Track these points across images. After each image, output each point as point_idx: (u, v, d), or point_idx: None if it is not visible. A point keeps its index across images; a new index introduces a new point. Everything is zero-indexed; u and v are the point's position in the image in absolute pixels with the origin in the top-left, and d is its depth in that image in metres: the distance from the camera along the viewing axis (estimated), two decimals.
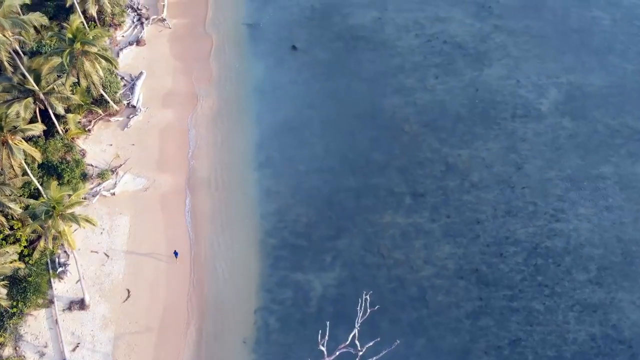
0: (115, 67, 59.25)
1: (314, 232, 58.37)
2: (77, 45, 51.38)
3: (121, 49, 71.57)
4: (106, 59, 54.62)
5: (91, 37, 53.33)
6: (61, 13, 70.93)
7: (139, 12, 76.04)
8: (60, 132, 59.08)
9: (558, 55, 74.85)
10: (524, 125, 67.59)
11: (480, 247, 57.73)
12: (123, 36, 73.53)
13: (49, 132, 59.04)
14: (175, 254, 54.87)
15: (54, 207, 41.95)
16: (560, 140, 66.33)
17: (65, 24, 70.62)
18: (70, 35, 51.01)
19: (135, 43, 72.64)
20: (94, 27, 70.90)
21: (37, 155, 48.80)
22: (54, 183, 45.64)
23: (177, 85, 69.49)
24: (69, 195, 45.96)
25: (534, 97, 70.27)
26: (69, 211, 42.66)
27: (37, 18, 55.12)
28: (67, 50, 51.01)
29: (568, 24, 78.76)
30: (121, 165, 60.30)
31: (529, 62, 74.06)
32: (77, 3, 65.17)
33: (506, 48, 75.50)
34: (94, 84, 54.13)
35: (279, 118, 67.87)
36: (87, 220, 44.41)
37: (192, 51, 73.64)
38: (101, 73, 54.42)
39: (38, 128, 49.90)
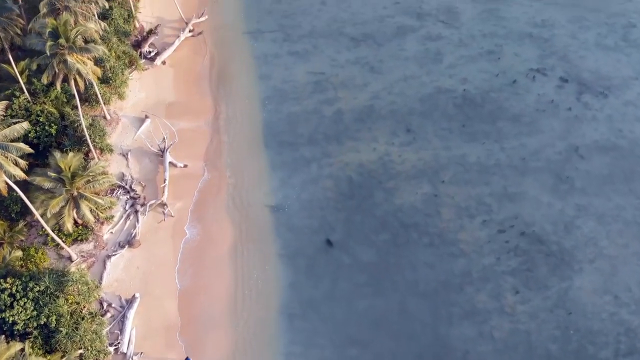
0: None
1: None
2: None
3: (108, 256, 55.31)
4: None
5: None
6: (27, 212, 54.84)
7: (132, 194, 59.94)
8: None
9: None
10: None
11: None
12: (112, 232, 57.36)
13: None
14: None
15: None
16: None
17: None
18: None
19: (127, 244, 56.47)
20: (76, 228, 54.97)
21: None
22: None
23: (183, 315, 53.10)
24: None
25: (638, 322, 54.38)
26: None
27: None
28: None
29: None
30: None
31: (627, 264, 58.27)
32: (47, 220, 49.25)
33: (597, 243, 59.70)
34: None
35: None
36: None
37: (202, 253, 57.34)
38: None
39: None
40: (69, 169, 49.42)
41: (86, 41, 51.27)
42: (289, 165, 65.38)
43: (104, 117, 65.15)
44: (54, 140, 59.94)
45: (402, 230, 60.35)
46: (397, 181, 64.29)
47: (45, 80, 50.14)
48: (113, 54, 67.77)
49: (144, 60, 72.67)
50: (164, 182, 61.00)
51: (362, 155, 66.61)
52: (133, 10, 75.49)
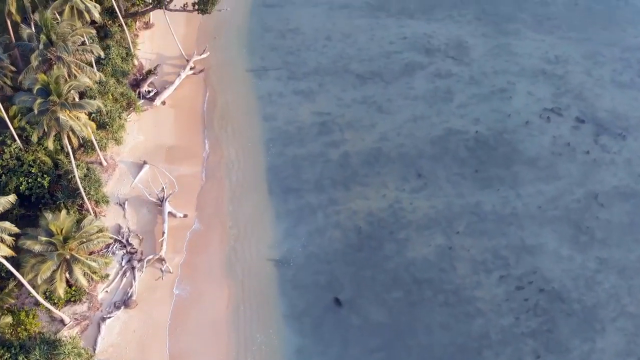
0: None
1: None
2: None
3: (103, 318, 51.94)
4: None
5: None
6: (10, 276, 51.04)
7: (129, 248, 56.65)
8: None
9: None
10: None
11: None
12: (107, 291, 54.06)
13: None
14: None
15: None
16: None
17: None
18: None
19: (123, 304, 53.12)
20: (69, 289, 51.51)
21: None
22: None
23: None
24: None
25: None
26: None
27: None
28: None
29: None
30: None
31: None
32: (37, 285, 45.93)
33: (620, 300, 56.44)
34: None
35: None
36: None
37: (202, 317, 53.89)
38: None
39: None
40: (61, 231, 46.11)
41: (81, 95, 48.16)
42: (294, 214, 62.13)
43: (100, 164, 62.03)
44: (47, 192, 56.78)
45: (415, 287, 57.02)
46: (408, 231, 61.06)
47: (35, 138, 47.07)
48: (110, 96, 64.77)
49: (142, 101, 69.60)
50: (163, 235, 57.69)
51: (371, 202, 63.43)
52: (132, 47, 72.57)
